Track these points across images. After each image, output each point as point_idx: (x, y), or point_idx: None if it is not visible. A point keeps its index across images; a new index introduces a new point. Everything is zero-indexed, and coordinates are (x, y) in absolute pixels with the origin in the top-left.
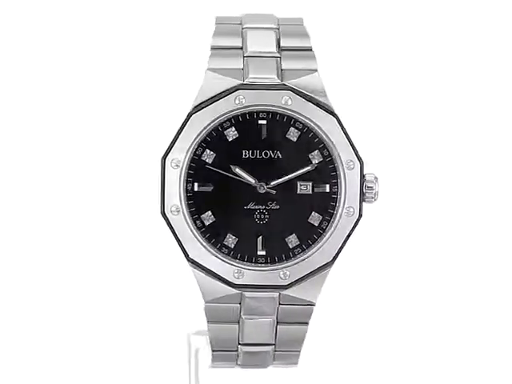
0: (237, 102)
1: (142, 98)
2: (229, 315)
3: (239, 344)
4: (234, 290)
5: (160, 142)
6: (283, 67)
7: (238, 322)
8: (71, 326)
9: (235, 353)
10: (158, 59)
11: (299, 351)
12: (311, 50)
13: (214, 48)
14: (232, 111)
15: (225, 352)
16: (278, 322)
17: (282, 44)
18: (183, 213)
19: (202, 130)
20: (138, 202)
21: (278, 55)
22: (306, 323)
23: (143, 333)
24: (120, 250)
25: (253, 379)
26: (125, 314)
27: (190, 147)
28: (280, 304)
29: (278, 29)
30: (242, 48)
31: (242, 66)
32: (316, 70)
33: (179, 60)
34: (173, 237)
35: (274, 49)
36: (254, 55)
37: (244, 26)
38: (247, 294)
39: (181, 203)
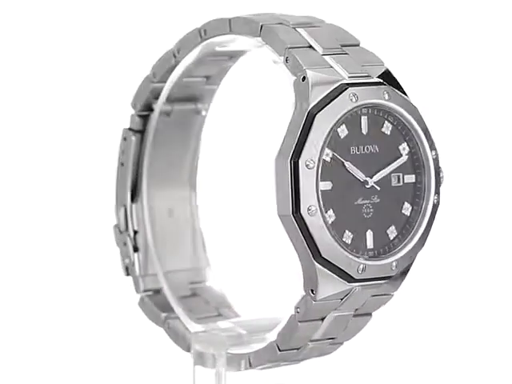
0: (352, 99)
1: None
2: (323, 313)
3: (310, 341)
4: (349, 286)
5: None
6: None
7: (323, 319)
8: (73, 328)
9: (297, 351)
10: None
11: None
12: (359, 45)
13: (290, 48)
14: (348, 109)
15: (290, 351)
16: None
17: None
18: (318, 212)
19: (327, 129)
20: None
21: (347, 52)
22: (371, 314)
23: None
24: None
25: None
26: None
27: (319, 146)
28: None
29: (319, 26)
30: (311, 46)
31: (329, 64)
32: (383, 64)
33: None
34: (296, 237)
35: (339, 46)
36: (330, 53)
37: (292, 25)
38: (358, 288)
39: (315, 203)
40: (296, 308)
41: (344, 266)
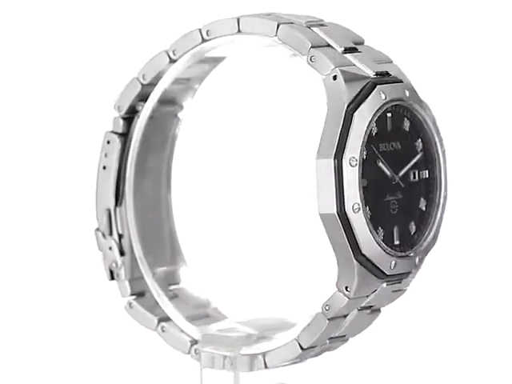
0: (381, 97)
1: None
2: (349, 310)
3: (329, 338)
4: (380, 282)
5: None
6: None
7: (345, 316)
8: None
9: (314, 349)
10: None
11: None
12: (364, 43)
13: (313, 47)
14: (379, 106)
15: (310, 350)
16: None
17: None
18: (361, 210)
19: (364, 127)
20: None
21: (360, 50)
22: (380, 310)
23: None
24: None
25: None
26: None
27: (360, 144)
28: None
29: (326, 25)
30: (329, 45)
31: (353, 63)
32: (392, 61)
33: None
34: (337, 235)
35: (353, 45)
36: (349, 52)
37: (306, 25)
38: (385, 284)
39: (359, 201)
40: (325, 306)
41: (379, 263)
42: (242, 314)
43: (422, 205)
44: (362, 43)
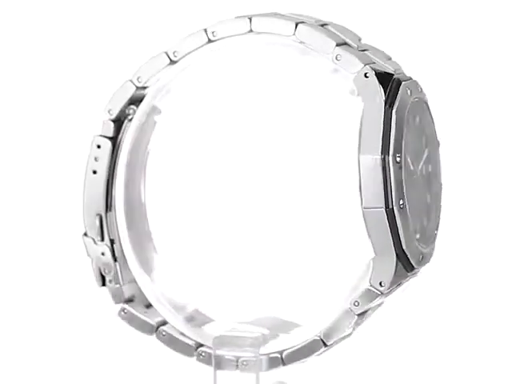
0: (408, 93)
1: None
2: (374, 305)
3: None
4: (405, 276)
5: None
6: None
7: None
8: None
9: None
10: None
11: None
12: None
13: (338, 45)
14: (409, 102)
15: (331, 346)
16: None
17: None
18: (406, 206)
19: (403, 123)
20: None
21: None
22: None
23: None
24: None
25: None
26: None
27: (402, 141)
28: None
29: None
30: (346, 43)
31: (374, 60)
32: (392, 58)
33: None
34: (381, 231)
35: (359, 42)
36: (362, 49)
37: (320, 24)
38: (408, 278)
39: (404, 197)
40: (354, 301)
41: (412, 257)
42: (236, 315)
43: (428, 198)
44: (360, 41)
